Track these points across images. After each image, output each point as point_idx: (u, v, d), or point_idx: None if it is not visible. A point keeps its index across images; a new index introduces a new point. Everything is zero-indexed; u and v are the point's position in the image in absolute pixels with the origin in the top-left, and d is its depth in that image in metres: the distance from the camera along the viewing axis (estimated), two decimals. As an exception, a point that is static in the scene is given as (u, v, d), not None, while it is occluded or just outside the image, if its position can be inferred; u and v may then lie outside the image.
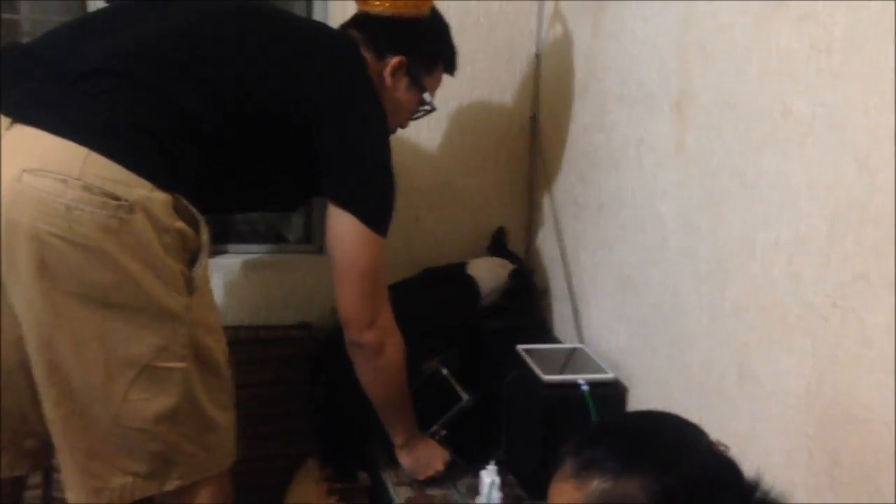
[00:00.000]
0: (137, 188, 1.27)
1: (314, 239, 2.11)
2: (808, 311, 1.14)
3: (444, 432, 1.76)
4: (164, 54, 1.38)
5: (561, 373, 1.67)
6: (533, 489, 1.66)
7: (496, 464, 1.60)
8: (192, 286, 1.35)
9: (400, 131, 2.04)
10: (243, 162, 1.46)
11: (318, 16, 2.00)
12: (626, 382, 1.65)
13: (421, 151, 2.14)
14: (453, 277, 1.99)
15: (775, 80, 1.20)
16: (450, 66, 1.73)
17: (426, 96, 1.67)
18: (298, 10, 2.04)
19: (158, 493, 1.38)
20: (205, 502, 1.43)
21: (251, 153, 1.46)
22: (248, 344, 2.01)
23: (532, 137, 2.18)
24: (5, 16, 1.86)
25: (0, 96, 1.30)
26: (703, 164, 1.40)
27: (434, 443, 1.75)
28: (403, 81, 1.62)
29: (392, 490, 1.71)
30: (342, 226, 1.49)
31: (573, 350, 1.82)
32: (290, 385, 2.03)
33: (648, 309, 1.59)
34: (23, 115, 1.27)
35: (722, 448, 0.88)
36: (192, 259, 1.36)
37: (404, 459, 1.72)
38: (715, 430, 0.93)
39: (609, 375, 1.65)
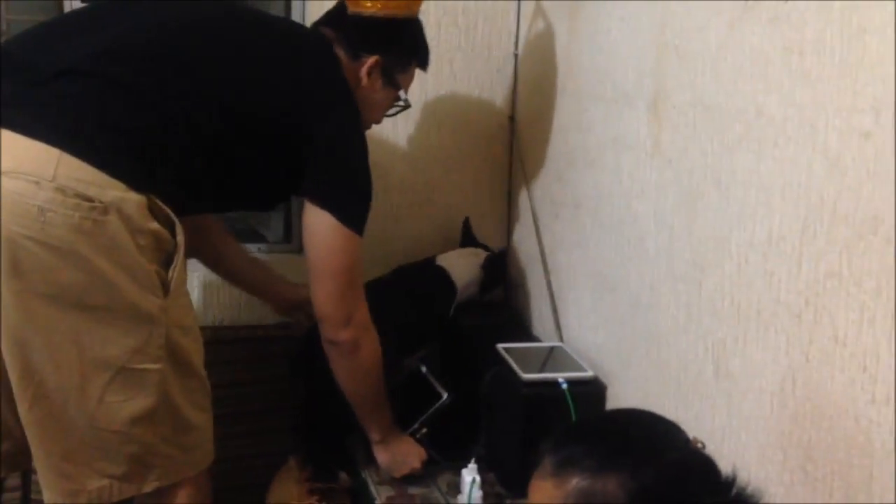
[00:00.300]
0: (111, 189, 1.27)
1: (293, 239, 2.11)
2: (782, 308, 1.16)
3: (424, 430, 1.77)
4: (140, 55, 1.37)
5: (540, 371, 1.68)
6: (513, 487, 1.67)
7: (476, 462, 1.61)
8: (167, 287, 1.35)
9: (379, 131, 2.05)
10: (221, 162, 1.45)
11: (295, 15, 2.00)
12: (604, 380, 1.66)
13: (400, 151, 2.15)
14: (425, 271, 1.98)
15: (748, 80, 1.22)
16: (423, 63, 1.74)
17: (401, 93, 1.68)
18: (276, 9, 2.03)
19: (137, 495, 1.38)
20: (183, 503, 1.43)
21: (229, 153, 1.46)
22: (228, 344, 2.01)
23: (510, 137, 2.19)
24: (-20, 16, 1.85)
25: None
26: (678, 164, 1.41)
27: (411, 440, 1.75)
28: (379, 80, 1.62)
29: (373, 489, 1.71)
30: (319, 223, 1.50)
31: (552, 348, 1.83)
32: (270, 384, 2.03)
33: (626, 307, 1.61)
34: None
35: (699, 445, 0.90)
36: (167, 260, 1.36)
37: (381, 456, 1.72)
38: (692, 427, 0.95)
39: (588, 373, 1.66)
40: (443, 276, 1.96)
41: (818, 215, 1.08)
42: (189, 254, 1.81)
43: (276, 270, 1.97)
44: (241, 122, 1.44)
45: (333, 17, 1.63)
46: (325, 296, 1.53)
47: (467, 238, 2.12)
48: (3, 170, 1.21)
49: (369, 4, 1.57)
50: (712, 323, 1.32)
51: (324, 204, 1.49)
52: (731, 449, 1.27)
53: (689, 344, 1.38)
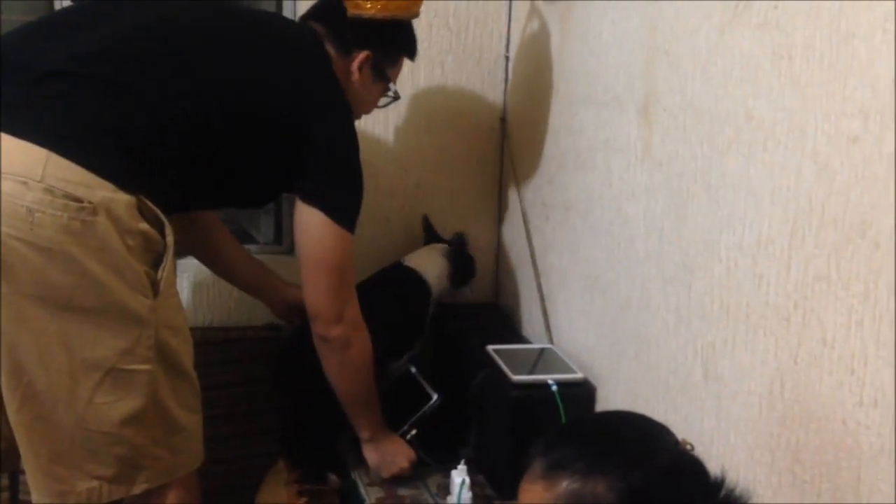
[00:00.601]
0: (100, 190, 1.26)
1: (283, 240, 2.11)
2: (771, 311, 1.16)
3: (414, 431, 1.77)
4: (130, 56, 1.37)
5: (530, 373, 1.68)
6: (503, 488, 1.67)
7: (466, 463, 1.61)
8: (157, 288, 1.34)
9: (370, 132, 2.06)
10: (215, 162, 1.45)
11: (286, 12, 2.00)
12: (594, 382, 1.67)
13: (391, 153, 2.15)
14: (395, 274, 1.97)
15: (738, 84, 1.23)
16: (412, 55, 1.74)
17: (391, 85, 1.70)
18: (267, 6, 2.03)
19: (126, 497, 1.38)
20: (172, 502, 1.42)
21: (224, 154, 1.45)
22: (218, 345, 2.01)
23: (501, 139, 2.19)
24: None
25: None
26: (668, 167, 1.42)
27: (400, 440, 1.75)
28: (369, 75, 1.63)
29: (363, 490, 1.71)
30: (310, 221, 1.50)
31: (542, 350, 1.84)
32: (259, 386, 2.03)
33: (616, 309, 1.61)
34: None
35: (688, 447, 0.90)
36: (156, 261, 1.35)
37: (370, 455, 1.72)
38: (681, 429, 0.95)
39: (578, 375, 1.66)
40: (413, 276, 1.95)
41: (807, 219, 1.09)
42: (186, 251, 1.82)
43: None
44: (237, 123, 1.44)
45: (322, 12, 1.62)
46: (316, 292, 1.54)
47: (430, 236, 2.11)
48: None
49: (369, 6, 1.57)
50: (701, 325, 1.32)
51: (317, 202, 1.49)
52: (719, 451, 1.27)
53: (679, 346, 1.39)
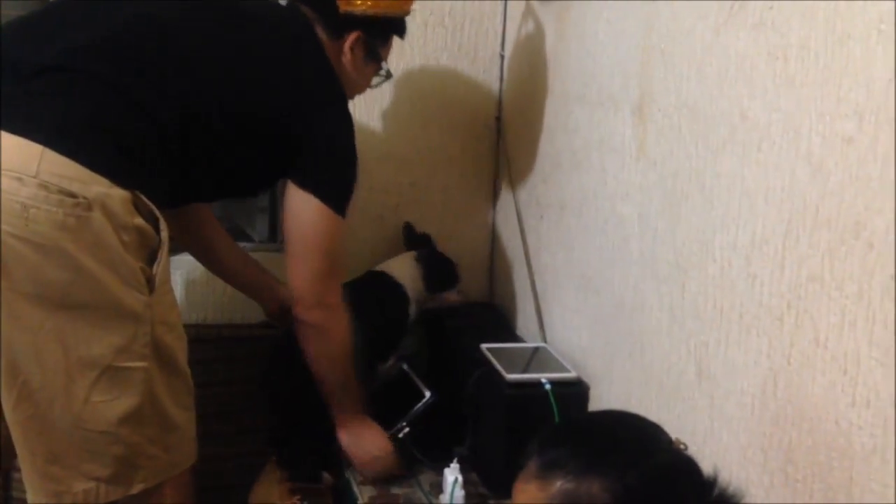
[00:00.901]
0: (95, 185, 1.26)
1: (279, 238, 2.10)
2: (764, 311, 1.17)
3: (407, 430, 1.77)
4: (123, 50, 1.37)
5: (524, 372, 1.68)
6: (496, 487, 1.67)
7: (460, 462, 1.61)
8: (152, 284, 1.34)
9: (364, 131, 2.05)
10: (208, 158, 1.45)
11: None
12: (588, 381, 1.67)
13: (385, 151, 2.15)
14: (369, 281, 1.95)
15: (733, 85, 1.23)
16: (402, 33, 1.74)
17: (383, 64, 1.70)
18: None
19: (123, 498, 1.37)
20: (166, 502, 1.42)
21: (218, 150, 1.45)
22: (211, 342, 2.00)
23: (496, 138, 2.19)
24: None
25: None
26: (662, 167, 1.42)
27: (379, 431, 1.73)
28: (361, 55, 1.63)
29: (356, 489, 1.71)
30: (303, 205, 1.51)
31: (536, 349, 1.84)
32: (252, 383, 2.02)
33: (610, 309, 1.61)
34: None
35: (681, 446, 0.90)
36: (151, 256, 1.35)
37: (344, 438, 1.71)
38: (674, 429, 0.95)
39: (572, 374, 1.66)
40: (388, 280, 1.95)
41: (801, 219, 1.09)
42: (180, 247, 1.82)
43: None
44: (236, 122, 1.45)
45: None
46: (301, 275, 1.54)
47: (412, 242, 2.11)
48: None
49: (359, 3, 1.57)
50: (695, 325, 1.33)
51: (311, 187, 1.50)
52: (712, 450, 1.27)
53: (672, 346, 1.39)
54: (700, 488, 0.87)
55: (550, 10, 1.87)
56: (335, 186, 1.53)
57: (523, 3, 2.01)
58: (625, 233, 1.55)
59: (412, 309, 1.97)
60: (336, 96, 1.56)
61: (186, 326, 1.48)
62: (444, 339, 2.05)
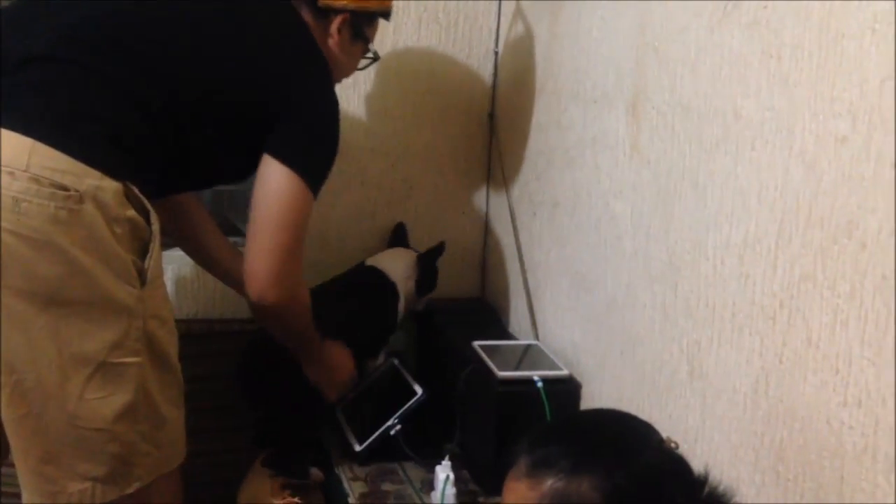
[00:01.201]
0: (86, 178, 1.25)
1: (270, 233, 2.09)
2: (757, 310, 1.17)
3: (398, 427, 1.77)
4: (109, 38, 1.35)
5: (516, 369, 1.68)
6: (487, 484, 1.67)
7: (451, 459, 1.61)
8: (144, 277, 1.33)
9: (357, 126, 2.05)
10: (197, 139, 1.44)
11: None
12: (579, 379, 1.67)
13: (378, 147, 2.14)
14: (361, 275, 1.94)
15: (727, 83, 1.23)
16: (387, 15, 1.74)
17: (370, 46, 1.69)
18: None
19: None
20: (156, 500, 1.40)
21: (205, 129, 1.44)
22: (202, 337, 2.00)
23: (489, 135, 2.19)
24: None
25: None
26: (656, 165, 1.42)
27: (339, 348, 1.75)
28: (348, 36, 1.63)
29: (346, 485, 1.71)
30: (274, 175, 1.46)
31: (528, 346, 1.84)
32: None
33: (602, 307, 1.61)
34: None
35: (672, 445, 0.90)
36: (143, 249, 1.34)
37: (310, 374, 1.73)
38: (665, 427, 0.95)
39: (563, 372, 1.66)
40: (380, 275, 1.94)
41: (794, 218, 1.09)
42: (171, 243, 1.81)
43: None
44: (225, 106, 1.44)
45: None
46: (261, 250, 1.46)
47: (398, 241, 2.10)
48: None
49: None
50: (687, 324, 1.33)
51: (285, 157, 1.46)
52: (703, 449, 1.27)
53: (664, 344, 1.39)
54: (691, 487, 0.87)
55: (545, 7, 1.87)
56: (311, 160, 1.49)
57: (518, 0, 2.01)
58: (618, 231, 1.55)
59: (402, 307, 1.96)
60: (319, 71, 1.55)
61: (178, 321, 1.46)
62: (436, 336, 2.05)
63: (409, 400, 1.79)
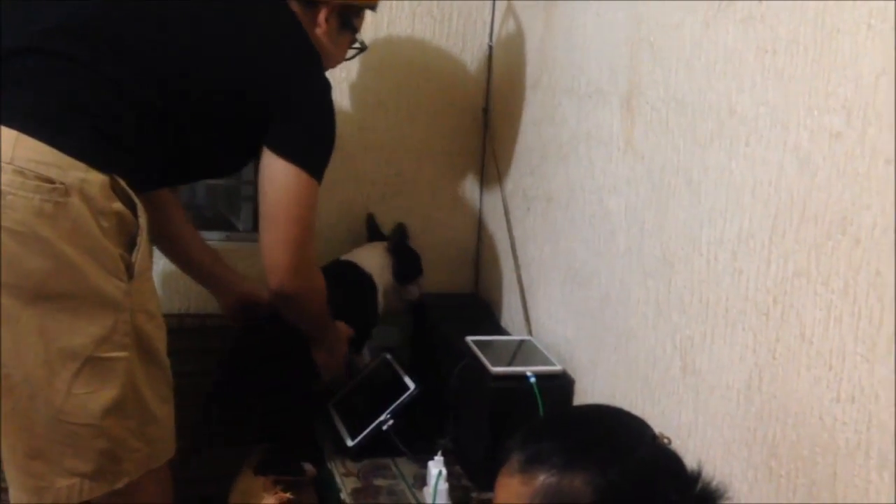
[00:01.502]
0: (72, 170, 1.24)
1: (263, 227, 2.09)
2: (750, 306, 1.16)
3: (391, 421, 1.76)
4: (97, 30, 1.34)
5: (509, 364, 1.68)
6: (480, 480, 1.67)
7: (443, 454, 1.61)
8: (131, 271, 1.32)
9: (351, 121, 2.04)
10: (185, 132, 1.44)
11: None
12: (573, 374, 1.67)
13: (372, 142, 2.13)
14: (337, 270, 1.92)
15: (721, 78, 1.22)
16: (373, 7, 1.74)
17: (357, 36, 1.69)
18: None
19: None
20: (144, 497, 1.40)
21: (193, 121, 1.44)
22: (194, 332, 1.99)
23: (483, 129, 2.19)
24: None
25: None
26: (650, 160, 1.42)
27: (342, 325, 1.80)
28: (335, 25, 1.62)
29: (339, 480, 1.70)
30: (278, 170, 1.48)
31: (521, 342, 1.84)
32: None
33: (596, 302, 1.61)
34: None
35: (665, 441, 0.90)
36: (130, 242, 1.33)
37: (320, 356, 1.78)
38: (658, 423, 0.95)
39: (556, 367, 1.66)
40: (356, 270, 1.93)
41: (788, 214, 1.09)
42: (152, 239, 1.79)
43: (246, 259, 1.95)
44: (211, 92, 1.43)
45: None
46: (275, 243, 1.51)
47: (373, 234, 2.09)
48: None
49: None
50: (681, 319, 1.32)
51: (287, 152, 1.48)
52: (696, 445, 1.27)
53: (658, 340, 1.39)
54: (683, 483, 0.87)
55: (539, 2, 1.86)
56: (313, 153, 1.51)
57: (512, -6, 2.00)
58: (611, 226, 1.54)
59: (381, 299, 1.95)
60: (312, 61, 1.55)
61: (169, 316, 1.46)
62: (429, 331, 2.05)
63: (401, 395, 1.78)
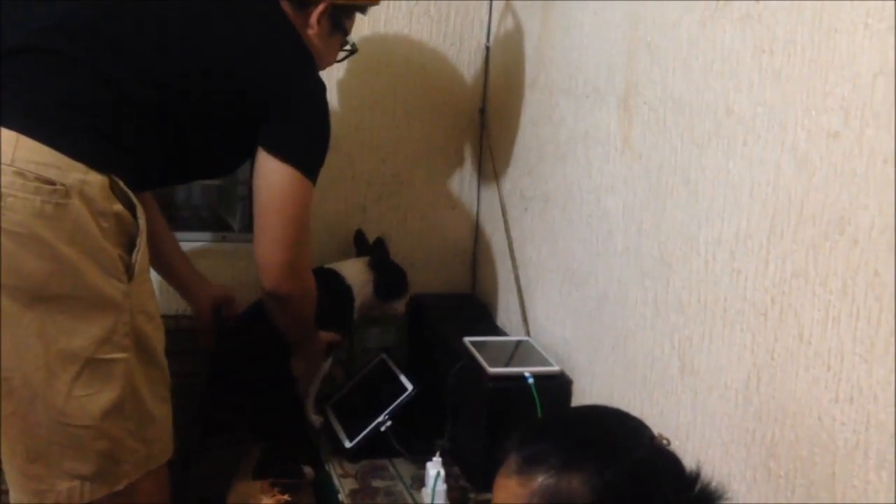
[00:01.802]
0: (72, 171, 1.23)
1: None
2: (748, 306, 1.16)
3: (389, 423, 1.76)
4: (94, 29, 1.34)
5: (507, 365, 1.68)
6: (478, 481, 1.67)
7: (441, 455, 1.60)
8: (131, 272, 1.31)
9: (348, 121, 2.03)
10: (183, 131, 1.43)
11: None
12: (570, 375, 1.67)
13: (368, 141, 2.13)
14: (319, 279, 1.85)
15: (719, 78, 1.22)
16: (364, 9, 1.74)
17: (349, 38, 1.70)
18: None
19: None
20: (143, 498, 1.39)
21: (191, 121, 1.44)
22: (191, 333, 1.98)
23: (480, 129, 2.18)
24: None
25: None
26: (647, 160, 1.41)
27: (319, 343, 1.79)
28: (327, 27, 1.62)
29: (337, 482, 1.70)
30: (273, 171, 1.48)
31: (519, 342, 1.83)
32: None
33: (593, 302, 1.61)
34: None
35: (664, 441, 0.90)
36: (129, 243, 1.32)
37: (298, 365, 1.76)
38: (657, 424, 0.95)
39: (554, 368, 1.66)
40: (335, 277, 1.91)
41: (785, 214, 1.09)
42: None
43: (242, 259, 1.95)
44: (209, 92, 1.43)
45: None
46: (270, 243, 1.51)
47: (362, 249, 2.07)
48: None
49: None
50: (679, 319, 1.32)
51: (281, 152, 1.48)
52: (695, 446, 1.27)
53: (656, 340, 1.39)
54: (682, 484, 0.87)
55: (536, 1, 1.86)
56: (309, 154, 1.52)
57: (509, -6, 2.00)
58: (609, 226, 1.54)
59: (356, 313, 1.93)
60: (307, 62, 1.55)
61: (166, 317, 1.45)
62: (427, 332, 2.04)
63: (399, 396, 1.78)
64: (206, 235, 2.07)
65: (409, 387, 1.78)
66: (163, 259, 1.79)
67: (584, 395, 1.63)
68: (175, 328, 1.70)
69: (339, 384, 1.98)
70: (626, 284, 1.49)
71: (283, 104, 1.48)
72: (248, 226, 2.11)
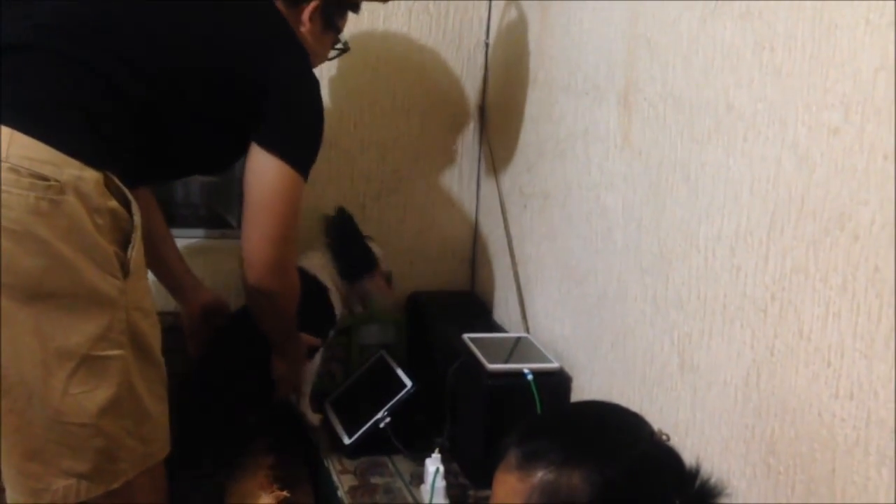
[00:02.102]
0: (67, 168, 1.23)
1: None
2: (748, 303, 1.16)
3: (388, 419, 1.76)
4: (89, 25, 1.34)
5: (506, 361, 1.68)
6: (477, 477, 1.67)
7: (440, 452, 1.60)
8: (126, 269, 1.31)
9: (347, 118, 2.03)
10: (177, 127, 1.43)
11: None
12: (570, 372, 1.67)
13: (368, 138, 2.13)
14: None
15: (719, 74, 1.22)
16: (356, 8, 1.73)
17: (341, 36, 1.69)
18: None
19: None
20: (140, 496, 1.38)
21: (185, 117, 1.44)
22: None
23: (480, 126, 2.18)
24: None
25: None
26: (647, 157, 1.41)
27: (301, 345, 1.76)
28: (319, 25, 1.62)
29: (335, 478, 1.70)
30: (264, 165, 1.48)
31: (519, 339, 1.83)
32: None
33: (593, 299, 1.61)
34: None
35: (663, 438, 0.90)
36: (125, 240, 1.32)
37: (279, 366, 1.73)
38: (656, 420, 0.95)
39: (554, 365, 1.66)
40: (303, 275, 1.82)
41: (786, 210, 1.09)
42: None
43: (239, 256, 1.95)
44: (203, 88, 1.43)
45: None
46: (257, 238, 1.50)
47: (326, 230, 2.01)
48: None
49: None
50: (678, 316, 1.32)
51: (274, 148, 1.47)
52: (694, 442, 1.27)
53: (655, 337, 1.39)
54: (681, 480, 0.87)
55: (536, -3, 1.86)
56: (301, 149, 1.51)
57: (508, -10, 2.00)
58: (609, 223, 1.54)
59: (335, 299, 1.88)
60: (302, 59, 1.55)
61: (164, 315, 1.45)
62: (426, 328, 2.04)
63: (398, 393, 1.78)
64: (205, 232, 2.07)
65: (408, 383, 1.78)
66: (161, 261, 1.79)
67: (584, 391, 1.63)
68: (172, 326, 1.69)
69: (337, 381, 1.98)
70: (625, 281, 1.48)
71: (277, 100, 1.48)
72: (245, 222, 2.11)
